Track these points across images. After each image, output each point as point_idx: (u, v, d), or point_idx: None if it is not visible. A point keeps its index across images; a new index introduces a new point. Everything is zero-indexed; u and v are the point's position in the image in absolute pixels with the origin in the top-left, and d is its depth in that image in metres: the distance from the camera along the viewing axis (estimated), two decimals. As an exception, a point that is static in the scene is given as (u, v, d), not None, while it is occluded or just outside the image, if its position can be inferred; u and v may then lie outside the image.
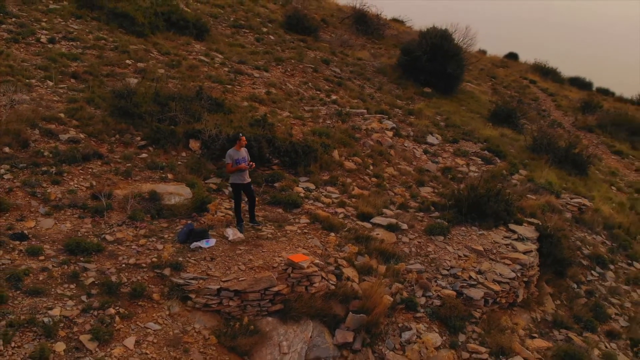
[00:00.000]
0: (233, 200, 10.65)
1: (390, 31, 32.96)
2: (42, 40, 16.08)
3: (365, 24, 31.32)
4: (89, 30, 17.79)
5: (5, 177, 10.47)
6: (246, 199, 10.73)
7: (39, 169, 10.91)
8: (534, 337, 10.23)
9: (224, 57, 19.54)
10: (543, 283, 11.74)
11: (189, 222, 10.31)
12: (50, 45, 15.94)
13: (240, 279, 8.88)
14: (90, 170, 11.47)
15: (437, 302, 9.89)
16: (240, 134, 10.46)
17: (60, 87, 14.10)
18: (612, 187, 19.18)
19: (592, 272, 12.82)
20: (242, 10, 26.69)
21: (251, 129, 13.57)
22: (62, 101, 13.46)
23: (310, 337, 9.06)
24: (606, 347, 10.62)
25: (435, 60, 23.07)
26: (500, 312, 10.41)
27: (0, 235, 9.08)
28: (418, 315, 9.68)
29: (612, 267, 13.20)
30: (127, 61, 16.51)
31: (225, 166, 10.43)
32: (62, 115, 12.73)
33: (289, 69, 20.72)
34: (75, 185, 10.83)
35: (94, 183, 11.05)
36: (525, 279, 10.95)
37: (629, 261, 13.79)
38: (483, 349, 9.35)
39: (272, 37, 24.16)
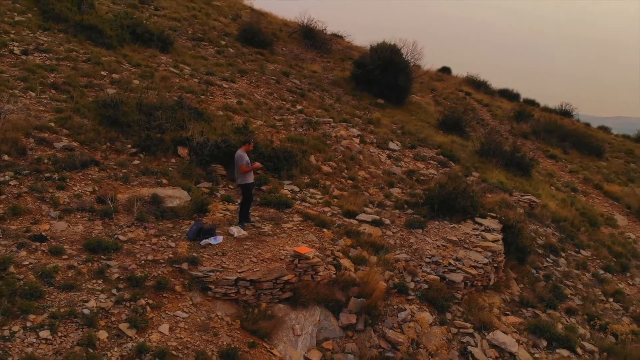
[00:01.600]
0: (243, 201, 11.39)
1: (336, 45, 34.53)
2: (15, 52, 16.15)
3: (313, 38, 32.55)
4: (58, 42, 17.95)
5: (11, 183, 10.78)
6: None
7: (41, 175, 11.26)
8: (508, 314, 11.63)
9: (191, 69, 20.15)
10: (508, 269, 13.21)
11: (197, 221, 10.99)
12: (24, 57, 16.03)
13: (255, 270, 9.70)
14: (89, 176, 11.90)
15: (425, 286, 11.09)
16: (251, 140, 11.38)
17: (42, 98, 14.33)
18: (552, 187, 21.26)
19: (547, 259, 14.48)
20: (197, 23, 27.24)
21: (236, 137, 14.38)
22: (48, 111, 13.72)
23: (318, 320, 9.98)
24: (567, 321, 12.17)
25: (387, 74, 24.63)
26: (477, 294, 11.74)
27: (21, 237, 9.47)
28: (410, 297, 10.82)
29: (563, 254, 14.93)
30: (102, 72, 16.85)
31: (240, 167, 11.12)
32: (52, 124, 13.03)
33: (253, 81, 21.58)
34: (79, 190, 11.27)
35: (97, 188, 11.52)
36: (495, 265, 12.36)
37: (577, 249, 15.61)
38: (468, 325, 10.61)
39: (231, 50, 24.92)
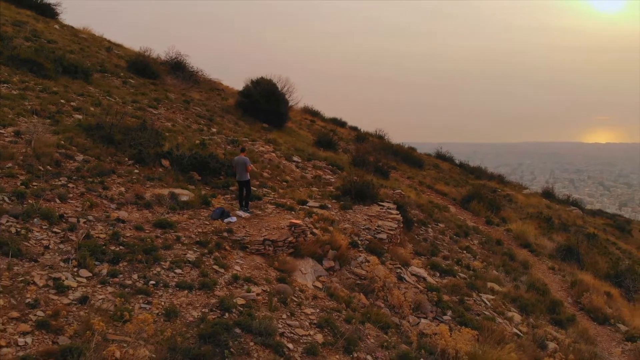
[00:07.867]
0: (246, 192, 15.85)
1: (202, 77, 38.86)
2: (-17, 82, 18.18)
3: (183, 70, 36.51)
4: (7, 73, 20.03)
5: (70, 185, 13.90)
6: (237, 189, 16.12)
7: (87, 179, 14.46)
8: (414, 259, 17.76)
9: (119, 98, 23.28)
10: (403, 234, 19.46)
11: (218, 207, 15.20)
12: (-8, 87, 18.17)
13: (273, 234, 14.38)
14: (115, 180, 15.30)
15: (367, 242, 16.68)
16: (245, 148, 15.97)
17: (31, 122, 16.92)
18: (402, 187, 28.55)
19: (421, 229, 21.12)
20: (88, 56, 29.68)
21: (202, 151, 18.56)
22: (47, 132, 16.47)
23: (312, 265, 14.95)
24: (446, 262, 18.71)
25: (270, 103, 30.06)
26: (394, 247, 17.68)
27: (107, 221, 12.89)
28: (360, 250, 16.30)
29: (430, 226, 21.76)
30: (62, 101, 19.54)
31: (247, 168, 15.63)
32: (62, 142, 15.98)
33: (168, 108, 25.30)
34: (118, 190, 14.71)
35: (127, 188, 15.02)
36: (400, 229, 18.48)
37: (436, 223, 22.62)
38: (397, 263, 16.45)
39: (132, 81, 28.06)
